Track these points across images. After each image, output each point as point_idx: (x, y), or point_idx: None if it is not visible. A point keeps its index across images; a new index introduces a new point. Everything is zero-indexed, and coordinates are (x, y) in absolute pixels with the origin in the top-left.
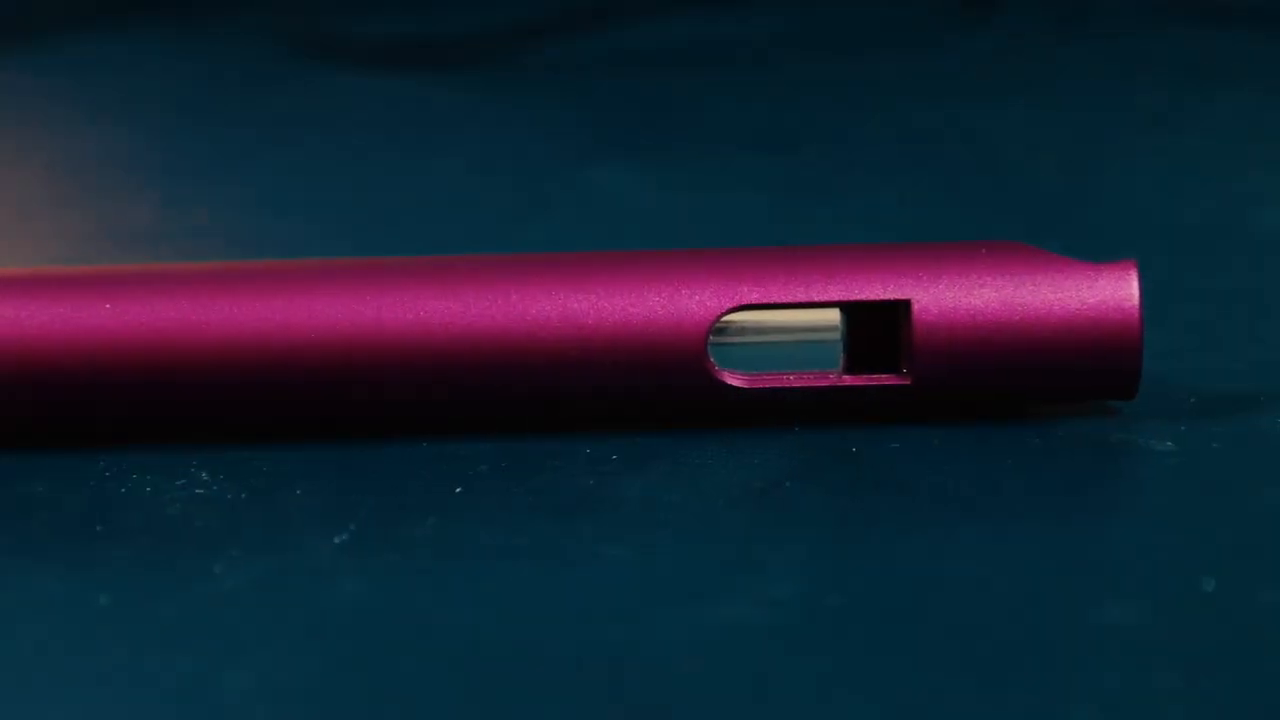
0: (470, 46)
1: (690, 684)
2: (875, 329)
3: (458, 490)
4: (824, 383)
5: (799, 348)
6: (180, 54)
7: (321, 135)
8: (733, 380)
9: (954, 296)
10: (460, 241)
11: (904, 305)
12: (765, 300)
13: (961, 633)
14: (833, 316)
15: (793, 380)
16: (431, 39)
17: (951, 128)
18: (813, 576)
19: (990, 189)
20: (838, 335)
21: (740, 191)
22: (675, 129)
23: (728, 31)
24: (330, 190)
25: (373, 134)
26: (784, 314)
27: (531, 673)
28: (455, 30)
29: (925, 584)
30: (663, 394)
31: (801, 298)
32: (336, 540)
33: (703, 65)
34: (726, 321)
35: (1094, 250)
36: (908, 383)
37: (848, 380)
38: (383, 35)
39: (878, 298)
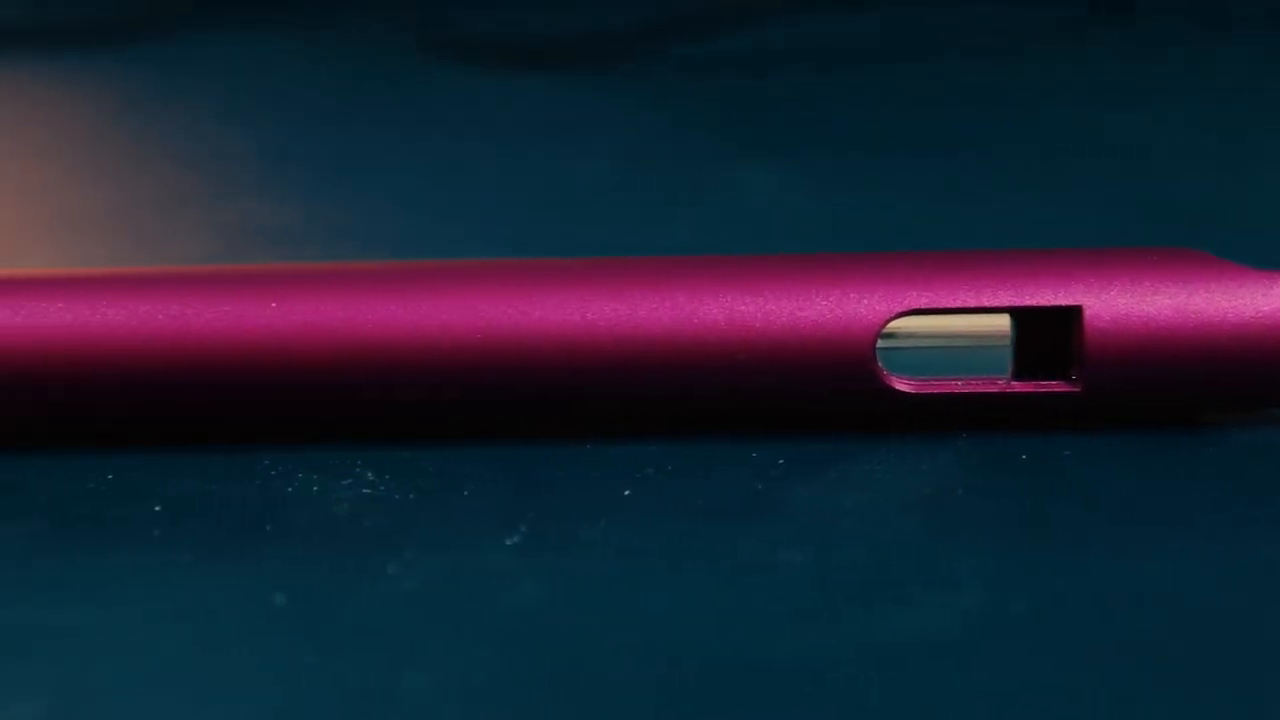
0: (608, 45)
1: (879, 693)
2: (1044, 334)
3: (626, 493)
4: (993, 388)
5: (966, 353)
6: (318, 53)
7: (462, 135)
8: (901, 385)
9: (1126, 303)
10: (603, 243)
11: (1075, 311)
12: (935, 305)
13: (1153, 646)
14: (1001, 322)
15: (961, 386)
16: (570, 38)
17: (1097, 129)
18: (995, 585)
19: (1139, 192)
20: (1007, 341)
21: (884, 194)
22: (817, 130)
23: (866, 32)
24: (472, 190)
25: (514, 133)
26: (952, 319)
27: (717, 678)
28: (593, 29)
29: (1112, 595)
30: (830, 398)
31: (971, 303)
32: (509, 542)
33: (842, 66)
34: (893, 326)
35: (1248, 255)
36: (1078, 390)
37: (1016, 387)
38: (520, 34)
39: (1049, 303)
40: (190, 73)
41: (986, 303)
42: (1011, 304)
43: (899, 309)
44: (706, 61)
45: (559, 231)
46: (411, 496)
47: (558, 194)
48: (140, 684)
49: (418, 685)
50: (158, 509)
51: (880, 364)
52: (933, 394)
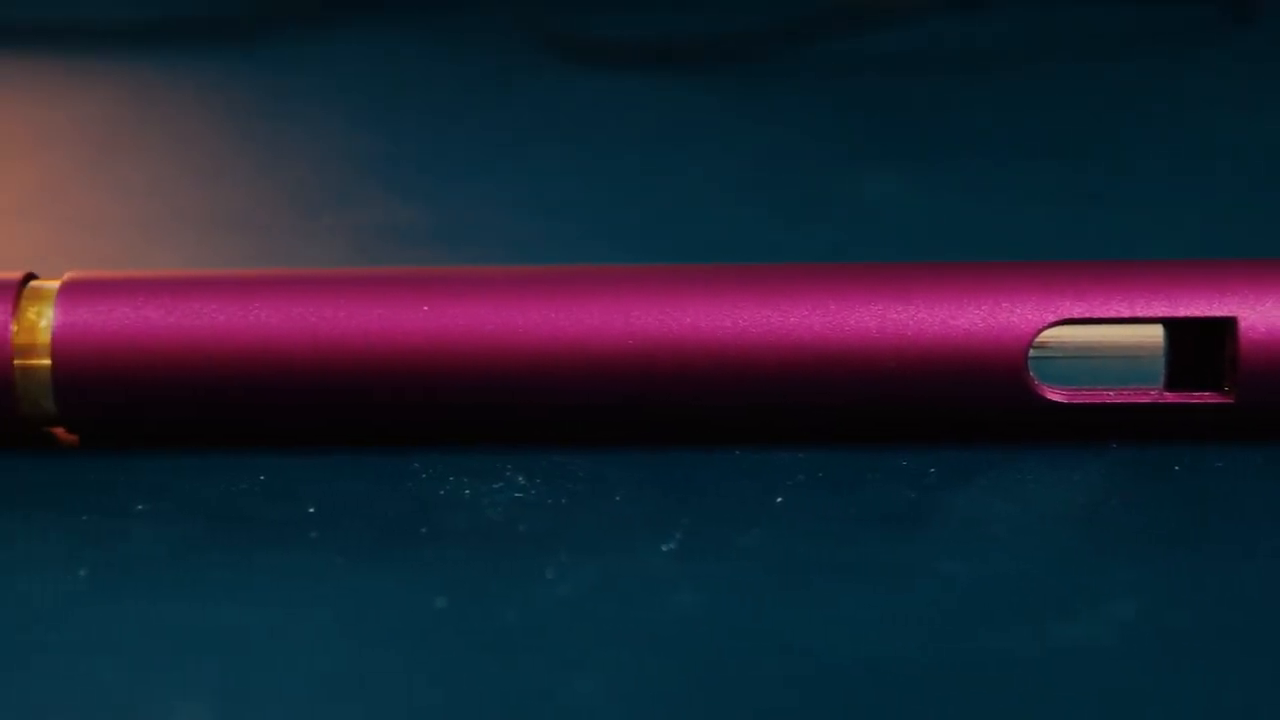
0: (736, 48)
1: (1041, 704)
2: (1196, 344)
3: (779, 500)
4: (1145, 399)
5: (1117, 362)
6: (444, 53)
7: (592, 137)
8: (1053, 395)
9: None
10: (727, 247)
11: (1229, 323)
12: (1088, 315)
13: None
14: (1154, 332)
15: (1113, 396)
16: (698, 41)
17: (1242, 134)
18: (1154, 597)
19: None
20: (1159, 351)
21: (1016, 200)
22: (947, 135)
23: (990, 35)
24: (602, 193)
25: (643, 136)
26: (1103, 328)
27: (879, 687)
28: (721, 32)
29: (1271, 608)
30: (980, 407)
31: (1125, 313)
32: (665, 548)
33: (965, 69)
34: (1043, 335)
35: None
36: (1231, 401)
37: (1169, 397)
38: (648, 36)
39: (1203, 314)
40: (316, 72)
41: (1140, 313)
42: (1166, 315)
43: (1052, 318)
44: (836, 65)
45: (686, 236)
46: (564, 501)
47: (685, 198)
48: (305, 686)
49: (584, 691)
50: (311, 511)
51: (1032, 373)
52: (1085, 404)
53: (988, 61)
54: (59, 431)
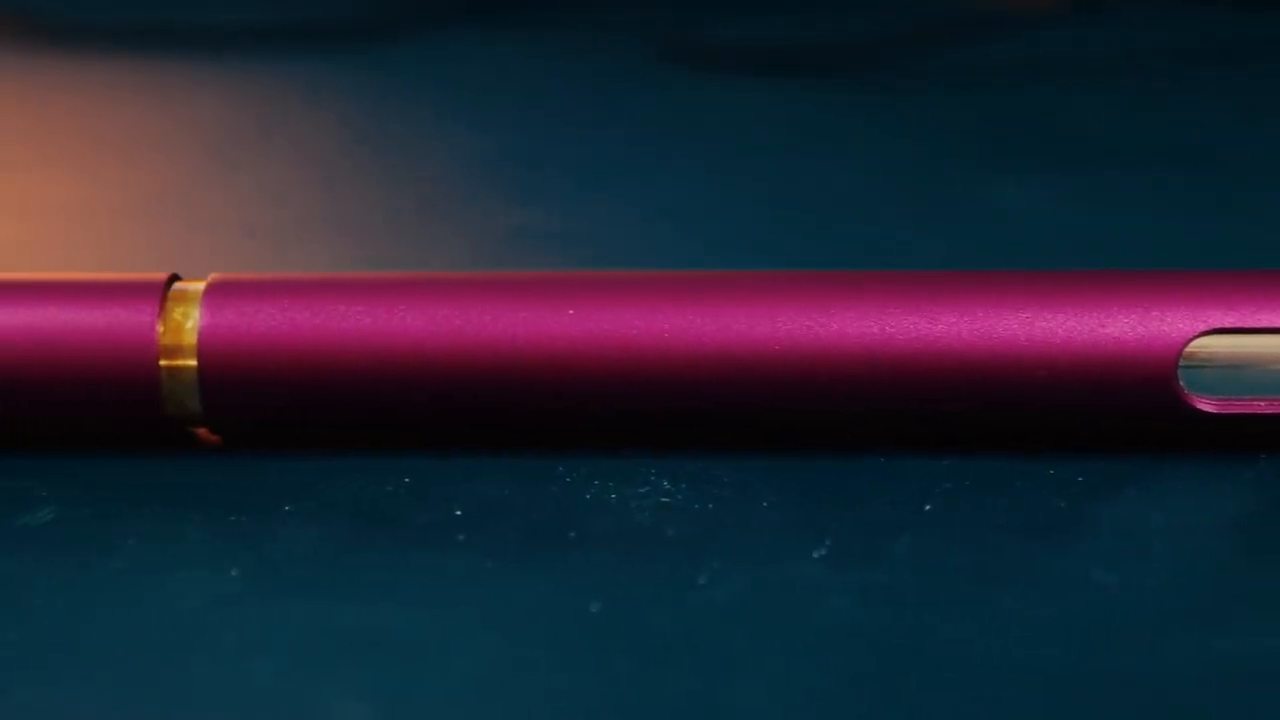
0: (856, 55)
1: (1201, 718)
2: None
3: (927, 508)
4: None
5: (1265, 373)
6: (557, 57)
7: (711, 144)
8: (1203, 405)
9: None
10: (856, 254)
11: None
12: (1240, 325)
13: None
14: None
15: (1264, 406)
16: (818, 47)
17: None
18: None
19: None
20: None
21: (1140, 207)
22: (1070, 141)
23: (1114, 40)
24: (720, 199)
25: (764, 142)
26: (1254, 338)
27: (1037, 697)
28: (841, 39)
29: None
30: (1129, 417)
31: (1276, 323)
32: (815, 555)
33: (1090, 75)
34: (1193, 345)
35: None
36: None
37: None
38: (766, 42)
39: None
40: (437, 76)
41: None
42: None
43: (1203, 328)
44: (961, 71)
45: (814, 244)
46: (710, 506)
47: (812, 205)
48: (461, 689)
49: (745, 697)
50: (458, 513)
51: (1181, 382)
52: (1235, 414)
53: (1112, 68)
54: (202, 432)
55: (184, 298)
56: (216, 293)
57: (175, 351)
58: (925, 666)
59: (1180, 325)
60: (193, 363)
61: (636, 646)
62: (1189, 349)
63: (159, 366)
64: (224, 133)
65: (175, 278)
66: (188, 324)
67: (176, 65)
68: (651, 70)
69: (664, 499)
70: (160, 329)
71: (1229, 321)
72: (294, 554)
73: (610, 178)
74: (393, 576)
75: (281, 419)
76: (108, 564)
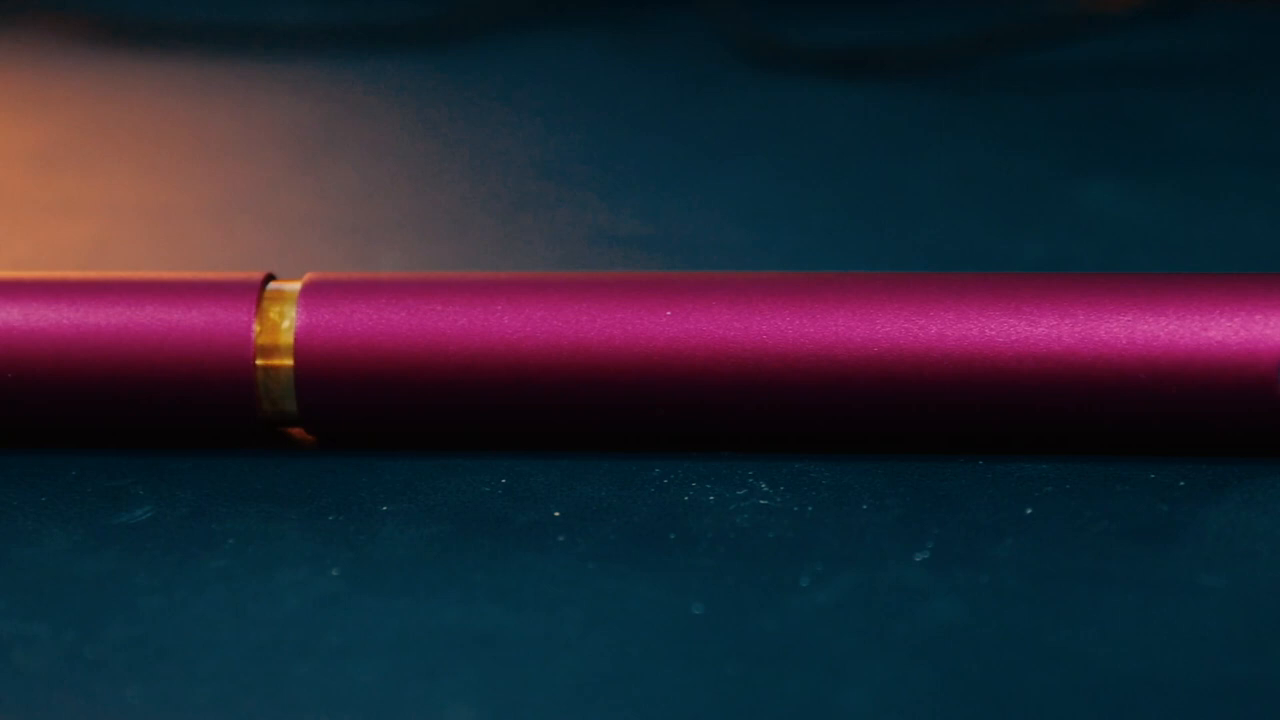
0: (934, 56)
1: None
2: None
3: (1028, 511)
4: None
5: None
6: (630, 58)
7: (789, 144)
8: None
9: None
10: (943, 256)
11: None
12: None
13: None
14: None
15: None
16: (895, 48)
17: None
18: None
19: None
20: None
21: (1232, 209)
22: (1156, 143)
23: (1198, 42)
24: (802, 201)
25: (847, 144)
26: None
27: (1146, 702)
28: (913, 39)
29: None
30: (1231, 419)
31: None
32: (918, 558)
33: (1174, 77)
34: None
35: None
36: None
37: None
38: (842, 44)
39: None
40: (515, 76)
41: None
42: None
43: None
44: (1036, 74)
45: (901, 246)
46: (810, 509)
47: (897, 207)
48: (568, 692)
49: (853, 700)
50: (557, 514)
51: None
52: None
53: (1197, 69)
54: (296, 432)
55: (280, 297)
56: (313, 292)
57: (271, 351)
58: (1033, 671)
59: None
60: (289, 362)
61: (742, 649)
62: None
63: (255, 366)
64: (303, 133)
65: (270, 277)
66: (284, 324)
67: (257, 66)
68: (730, 71)
69: (763, 501)
70: (257, 328)
71: None
72: (394, 554)
73: (690, 179)
74: (495, 577)
75: (377, 419)
76: (209, 563)
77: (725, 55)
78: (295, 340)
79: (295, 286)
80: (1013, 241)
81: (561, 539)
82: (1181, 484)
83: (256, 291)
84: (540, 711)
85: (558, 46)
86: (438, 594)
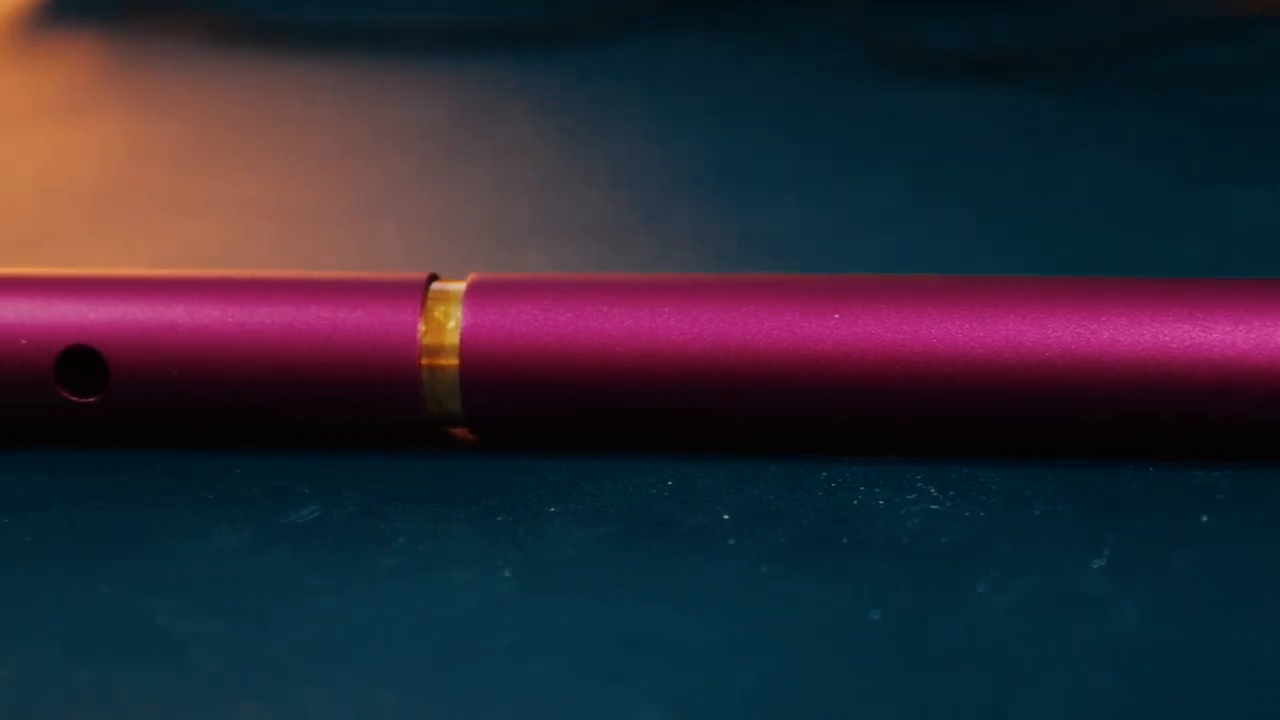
0: (1061, 57)
1: None
2: None
3: (1204, 519)
4: None
5: None
6: (765, 61)
7: (924, 147)
8: None
9: None
10: (1093, 262)
11: None
12: None
13: None
14: None
15: None
16: (1036, 50)
17: None
18: None
19: None
20: None
21: None
22: None
23: None
24: (939, 204)
25: (984, 147)
26: None
27: None
28: (1045, 41)
29: None
30: None
31: None
32: (1095, 565)
33: None
34: None
35: None
36: None
37: None
38: (980, 46)
39: None
40: (648, 79)
41: None
42: None
43: None
44: (1170, 76)
45: (1039, 249)
46: (981, 514)
47: (1026, 209)
48: (750, 696)
49: (1039, 707)
50: (726, 517)
51: None
52: None
53: None
54: (459, 432)
55: (444, 297)
56: (478, 292)
57: (437, 351)
58: (1218, 681)
59: None
60: (454, 363)
61: (923, 655)
62: None
63: (421, 366)
64: (437, 135)
65: (434, 277)
66: (449, 324)
67: (390, 67)
68: (863, 74)
69: (933, 506)
70: (422, 328)
71: None
72: (564, 555)
73: (826, 182)
74: (668, 580)
75: (541, 420)
76: (379, 562)
77: (859, 58)
78: (461, 340)
79: (459, 286)
80: (1161, 246)
81: (732, 542)
82: None
83: (421, 291)
84: (726, 716)
85: (691, 49)
86: (611, 596)
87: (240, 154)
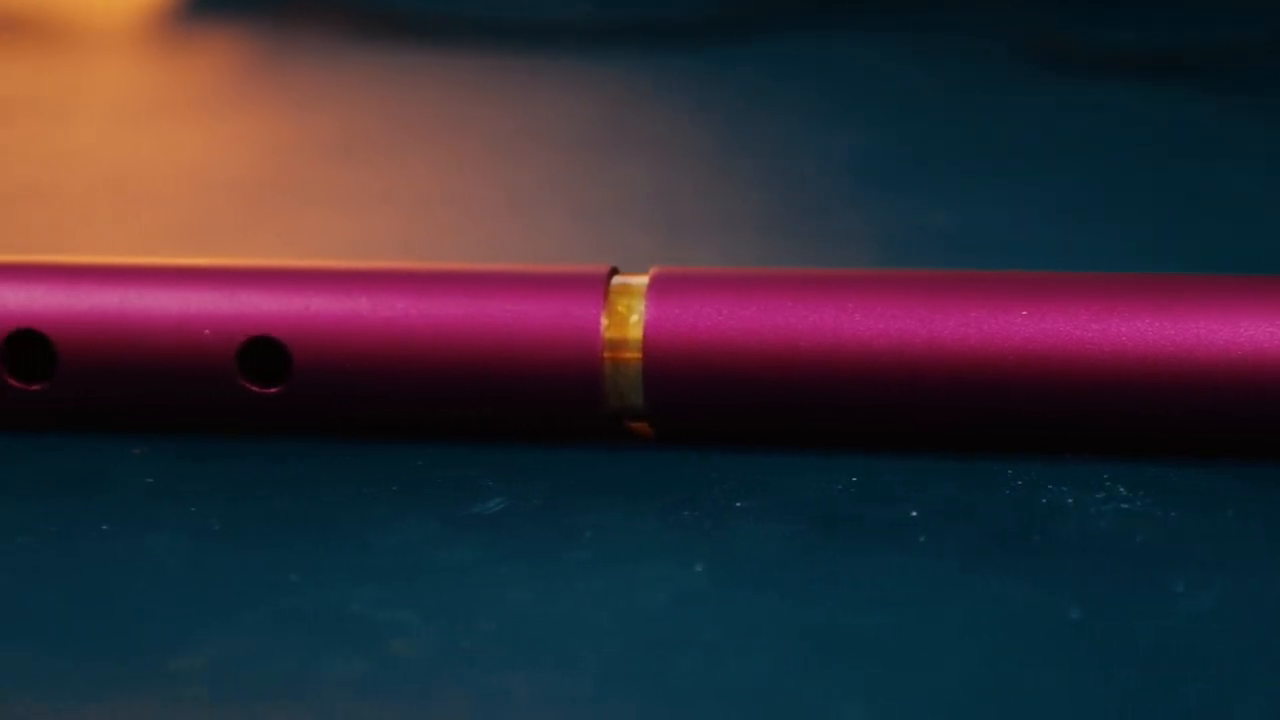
0: (1225, 54)
1: None
2: None
3: None
4: None
5: None
6: (924, 57)
7: (1092, 142)
8: None
9: None
10: (1270, 258)
11: None
12: None
13: None
14: None
15: None
16: (1194, 47)
17: None
18: None
19: None
20: None
21: None
22: None
23: None
24: (1111, 200)
25: (1136, 143)
26: None
27: None
28: (1210, 38)
29: None
30: None
31: None
32: None
33: None
34: None
35: None
36: None
37: None
38: (1140, 43)
39: None
40: (805, 74)
41: None
42: None
43: None
44: None
45: (1213, 246)
46: (1173, 514)
47: (1206, 207)
48: (957, 696)
49: (1253, 710)
50: (914, 514)
51: None
52: None
53: None
54: (639, 426)
55: (627, 291)
56: (661, 286)
57: (620, 346)
58: None
59: None
60: (637, 356)
61: (1128, 654)
62: None
63: (604, 360)
64: (594, 128)
65: (614, 270)
66: (632, 318)
67: (544, 60)
68: (1019, 70)
69: (1124, 505)
70: (605, 322)
71: None
72: (755, 550)
73: (993, 178)
74: (861, 576)
75: (723, 415)
76: (569, 554)
77: (1015, 54)
78: (645, 335)
79: (642, 280)
80: None
81: (923, 539)
82: None
83: (603, 285)
84: (931, 714)
85: (850, 42)
86: (805, 592)
87: (390, 147)
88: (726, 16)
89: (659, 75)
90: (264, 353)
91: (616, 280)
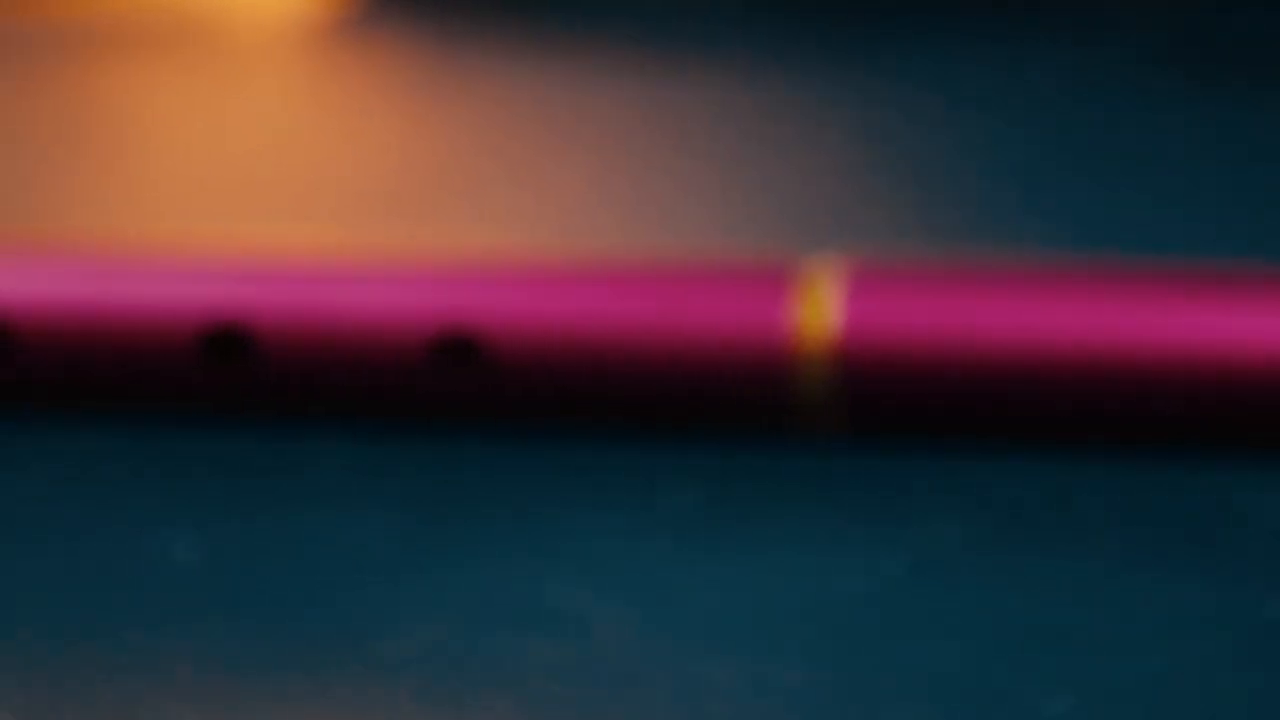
0: None
1: None
2: None
3: None
4: None
5: None
6: (1060, 57)
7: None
8: None
9: None
10: None
11: None
12: None
13: None
14: None
15: None
16: None
17: None
18: None
19: None
20: None
21: None
22: None
23: None
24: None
25: None
26: None
27: None
28: None
29: None
30: None
31: None
32: None
33: None
34: None
35: None
36: None
37: None
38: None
39: None
40: (938, 76)
41: None
42: None
43: None
44: None
45: None
46: None
47: None
48: (1156, 689)
49: None
50: (1106, 514)
51: None
52: None
53: None
54: (829, 421)
55: (819, 284)
56: (855, 280)
57: (813, 340)
58: None
59: None
60: (828, 353)
61: None
62: None
63: (796, 355)
64: (746, 126)
65: (804, 263)
66: (825, 312)
67: (698, 60)
68: (1179, 75)
69: None
70: (798, 316)
71: None
72: (951, 546)
73: (1157, 175)
74: (1058, 572)
75: (919, 413)
76: (764, 546)
77: (1179, 58)
78: (839, 330)
79: (834, 273)
80: None
81: (1115, 539)
82: None
83: (795, 278)
84: (1138, 709)
85: (982, 42)
86: (1004, 586)
87: (557, 146)
88: (857, 19)
89: (808, 75)
90: (452, 342)
91: (809, 273)
